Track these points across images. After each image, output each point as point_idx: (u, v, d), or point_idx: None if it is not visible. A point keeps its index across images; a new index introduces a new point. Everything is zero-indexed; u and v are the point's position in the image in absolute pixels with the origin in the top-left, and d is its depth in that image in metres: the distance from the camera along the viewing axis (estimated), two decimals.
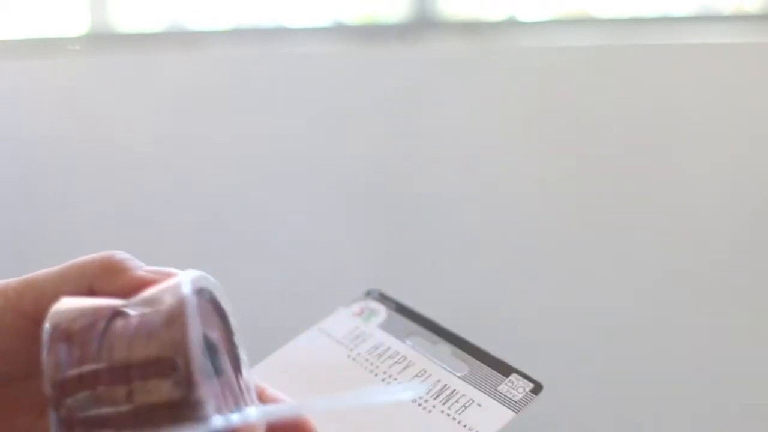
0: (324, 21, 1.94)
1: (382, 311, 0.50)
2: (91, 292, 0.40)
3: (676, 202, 1.59)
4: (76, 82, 1.88)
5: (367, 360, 0.47)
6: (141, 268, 0.41)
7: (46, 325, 0.36)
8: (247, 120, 1.78)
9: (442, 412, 0.44)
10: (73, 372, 0.35)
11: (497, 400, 0.45)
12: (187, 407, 0.33)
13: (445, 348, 0.48)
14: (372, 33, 1.89)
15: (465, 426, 0.44)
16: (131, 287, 0.39)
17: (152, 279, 0.40)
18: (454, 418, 0.44)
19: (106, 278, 0.41)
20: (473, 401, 0.45)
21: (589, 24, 1.79)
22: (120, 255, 0.41)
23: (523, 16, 1.82)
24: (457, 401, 0.45)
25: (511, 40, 1.79)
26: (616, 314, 1.62)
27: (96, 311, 0.37)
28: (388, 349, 0.48)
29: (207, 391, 0.34)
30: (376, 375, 0.46)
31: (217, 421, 0.33)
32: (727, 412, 1.58)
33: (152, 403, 0.34)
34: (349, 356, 0.47)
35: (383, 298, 0.50)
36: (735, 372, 1.58)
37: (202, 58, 1.89)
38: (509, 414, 0.44)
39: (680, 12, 1.74)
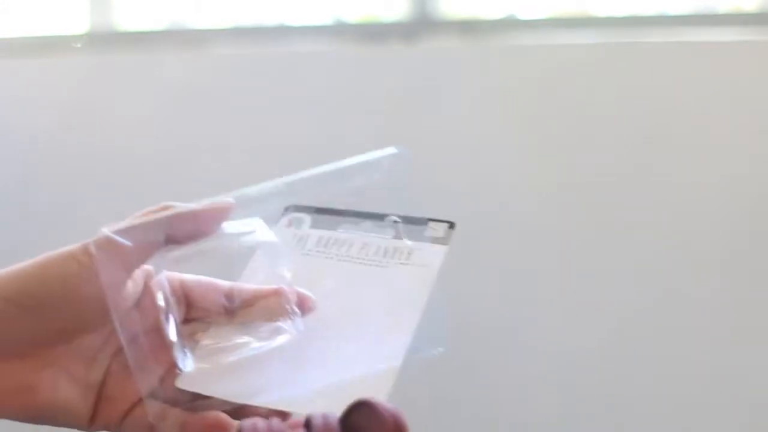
0: (324, 19, 1.94)
1: (306, 217, 0.58)
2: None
3: (675, 200, 1.60)
4: (77, 81, 1.88)
5: (318, 251, 0.56)
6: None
7: None
8: (247, 118, 1.79)
9: (396, 263, 0.55)
10: None
11: (429, 242, 0.56)
12: None
13: (368, 224, 0.57)
14: (372, 32, 1.89)
15: (417, 265, 0.54)
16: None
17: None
18: (406, 264, 0.54)
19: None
20: (413, 248, 0.55)
21: (588, 22, 1.79)
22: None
23: (523, 15, 1.83)
24: (401, 253, 0.55)
25: (511, 38, 1.79)
26: (615, 314, 1.62)
27: None
28: (330, 238, 0.57)
29: None
30: (330, 258, 0.56)
31: None
32: (727, 414, 1.58)
33: None
34: (302, 253, 0.56)
35: (302, 208, 0.59)
36: (736, 375, 1.58)
37: (203, 57, 1.89)
38: (444, 247, 0.55)
39: (679, 10, 1.74)
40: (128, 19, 1.99)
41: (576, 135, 1.63)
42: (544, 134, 1.64)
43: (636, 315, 1.61)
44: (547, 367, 1.66)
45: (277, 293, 0.53)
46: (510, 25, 1.81)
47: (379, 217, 0.57)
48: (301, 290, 0.53)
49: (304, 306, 0.52)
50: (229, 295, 0.53)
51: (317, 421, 0.42)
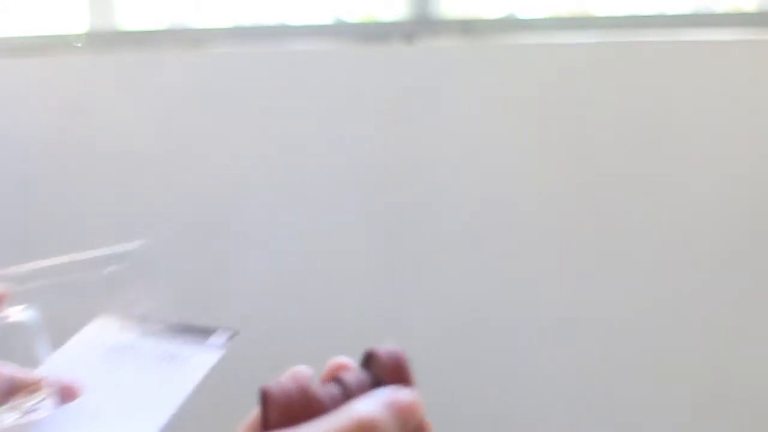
0: (324, 19, 1.94)
1: (115, 323, 0.66)
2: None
3: (674, 200, 1.60)
4: (77, 81, 1.88)
5: (110, 353, 0.64)
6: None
7: None
8: (247, 117, 1.79)
9: (171, 366, 0.62)
10: None
11: (208, 348, 0.62)
12: None
13: (165, 332, 0.65)
14: (372, 32, 1.89)
15: (191, 367, 0.60)
16: None
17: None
18: (181, 366, 0.61)
19: None
20: (193, 353, 0.62)
21: (588, 22, 1.79)
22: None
23: (523, 15, 1.83)
24: (181, 357, 0.62)
25: (511, 38, 1.79)
26: (615, 314, 1.62)
27: None
28: (126, 343, 0.64)
29: None
30: (119, 360, 0.63)
31: None
32: (727, 414, 1.58)
33: None
34: (96, 354, 0.64)
35: (116, 315, 0.67)
36: (736, 375, 1.58)
37: (203, 57, 1.89)
38: (219, 352, 0.62)
39: (679, 10, 1.74)
40: (128, 19, 2.00)
41: (576, 135, 1.63)
42: (544, 134, 1.64)
43: (636, 315, 1.61)
44: (548, 367, 1.66)
45: (44, 381, 0.60)
46: (510, 25, 1.81)
47: (177, 326, 0.65)
48: (67, 380, 0.60)
49: (68, 393, 0.59)
50: (9, 381, 0.60)
51: (349, 377, 0.46)
